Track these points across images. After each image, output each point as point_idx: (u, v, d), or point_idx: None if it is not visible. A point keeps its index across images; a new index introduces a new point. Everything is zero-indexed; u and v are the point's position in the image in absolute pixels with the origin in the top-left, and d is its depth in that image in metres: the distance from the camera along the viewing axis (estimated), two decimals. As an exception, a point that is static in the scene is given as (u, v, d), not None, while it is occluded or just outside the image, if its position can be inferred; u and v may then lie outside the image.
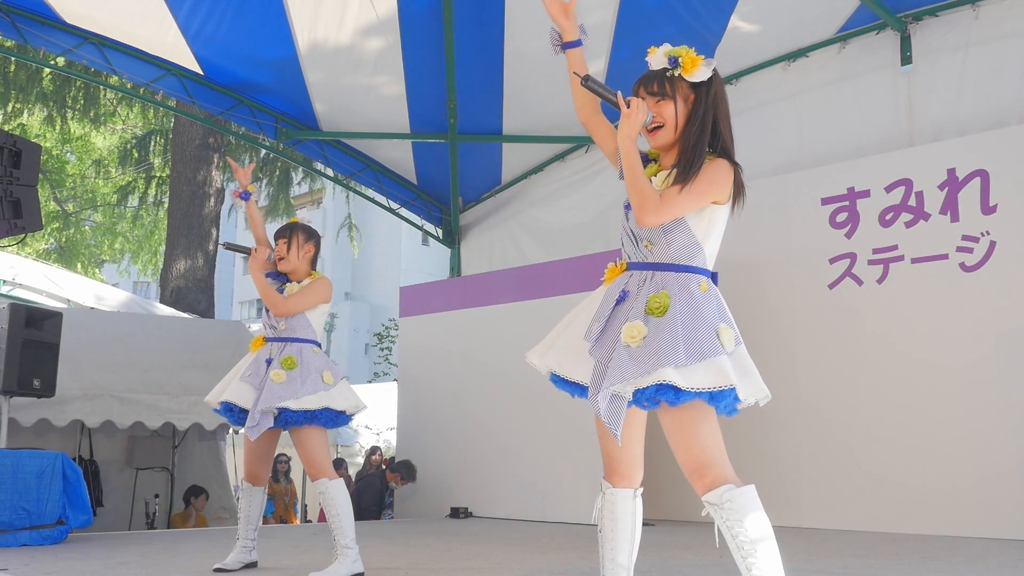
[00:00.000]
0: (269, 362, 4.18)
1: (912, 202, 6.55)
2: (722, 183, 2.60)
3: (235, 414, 4.26)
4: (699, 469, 2.49)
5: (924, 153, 6.62)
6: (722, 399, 2.49)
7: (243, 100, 8.79)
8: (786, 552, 4.98)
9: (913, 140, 6.89)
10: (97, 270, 22.67)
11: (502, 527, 7.03)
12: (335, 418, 4.21)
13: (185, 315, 11.41)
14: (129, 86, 9.50)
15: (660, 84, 2.69)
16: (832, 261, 6.88)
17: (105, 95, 15.79)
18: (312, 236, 4.48)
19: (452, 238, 10.35)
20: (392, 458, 11.13)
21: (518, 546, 5.61)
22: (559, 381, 2.73)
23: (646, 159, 2.76)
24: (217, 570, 4.29)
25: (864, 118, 7.20)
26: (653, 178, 2.66)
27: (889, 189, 6.67)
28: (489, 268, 9.66)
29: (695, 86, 2.65)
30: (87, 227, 21.45)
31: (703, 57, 2.65)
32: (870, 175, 6.79)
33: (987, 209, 6.22)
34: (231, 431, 9.80)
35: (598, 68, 7.94)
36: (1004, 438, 5.95)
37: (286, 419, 4.10)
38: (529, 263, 8.83)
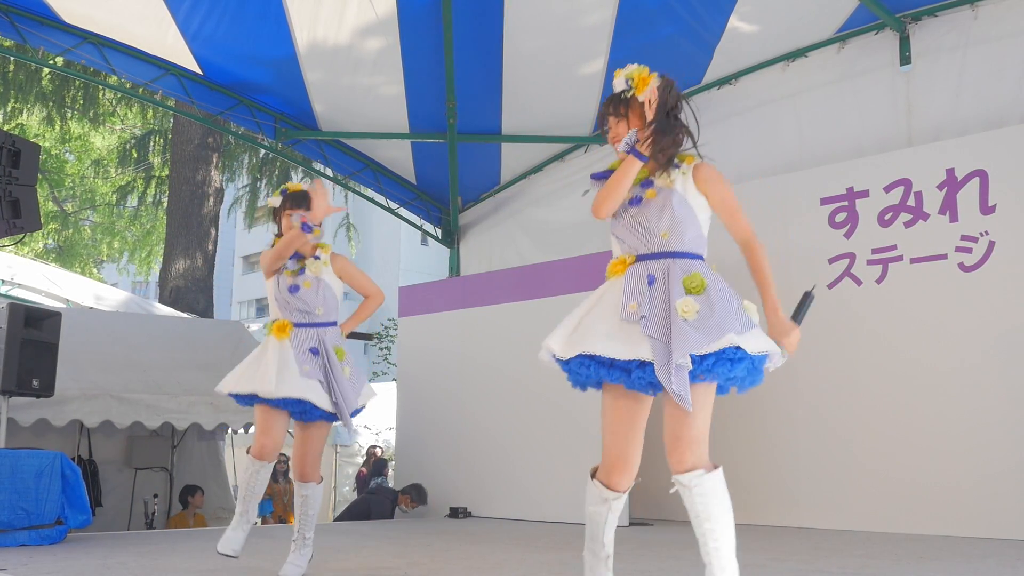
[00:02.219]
0: (315, 351, 4.01)
1: (911, 202, 6.56)
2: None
3: (291, 405, 4.01)
4: (689, 445, 2.69)
5: (923, 153, 6.62)
6: (764, 363, 2.78)
7: (242, 100, 8.79)
8: (786, 552, 4.97)
9: (912, 140, 6.89)
10: (96, 270, 22.66)
11: (501, 527, 7.03)
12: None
13: (184, 315, 11.41)
14: (128, 86, 9.49)
15: (616, 106, 2.98)
16: (831, 261, 6.88)
17: (104, 95, 15.80)
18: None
19: (451, 238, 10.35)
20: (382, 459, 11.15)
21: (517, 546, 5.61)
22: (584, 364, 2.79)
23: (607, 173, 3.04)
24: None
25: (863, 118, 7.21)
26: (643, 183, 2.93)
27: (888, 189, 6.67)
28: (488, 268, 9.66)
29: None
30: (86, 227, 21.44)
31: (654, 75, 2.94)
32: (869, 175, 6.79)
33: (986, 209, 6.22)
34: (229, 431, 9.80)
35: (597, 68, 7.95)
36: (1003, 437, 5.95)
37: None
38: (528, 263, 8.83)
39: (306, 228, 3.99)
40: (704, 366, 2.63)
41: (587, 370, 2.79)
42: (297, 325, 4.03)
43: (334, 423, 4.15)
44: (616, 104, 2.99)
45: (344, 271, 4.20)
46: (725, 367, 2.65)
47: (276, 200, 4.28)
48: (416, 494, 8.15)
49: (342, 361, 4.03)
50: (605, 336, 2.75)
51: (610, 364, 2.73)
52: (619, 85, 3.00)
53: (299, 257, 4.13)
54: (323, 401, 3.97)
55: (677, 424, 2.69)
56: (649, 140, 2.88)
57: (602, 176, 3.03)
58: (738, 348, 2.65)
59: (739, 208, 2.92)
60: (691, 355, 2.61)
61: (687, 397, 2.59)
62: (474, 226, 10.30)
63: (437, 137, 9.08)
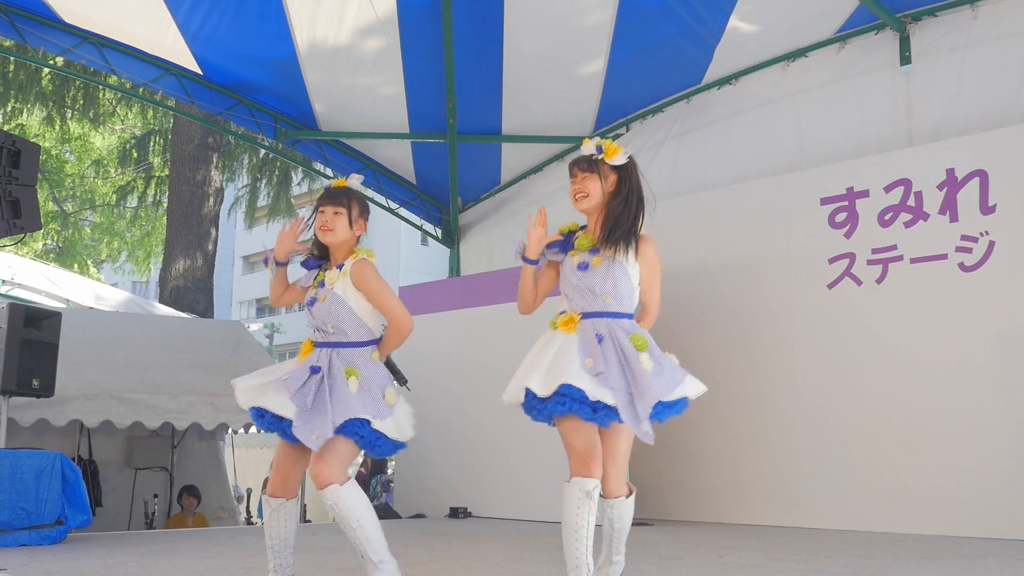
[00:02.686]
0: (316, 369, 3.36)
1: (911, 202, 6.56)
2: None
3: (266, 420, 3.40)
4: (616, 479, 3.45)
5: (923, 153, 6.62)
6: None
7: (242, 100, 8.79)
8: (786, 552, 4.97)
9: (912, 140, 6.89)
10: (95, 269, 22.66)
11: (501, 527, 7.03)
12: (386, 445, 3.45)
13: (184, 315, 11.41)
14: (128, 86, 9.49)
15: (588, 164, 3.43)
16: (831, 261, 6.88)
17: (104, 95, 15.80)
18: (367, 210, 3.61)
19: (451, 238, 10.35)
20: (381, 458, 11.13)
21: (517, 546, 5.61)
22: (562, 398, 3.23)
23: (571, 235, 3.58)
24: None
25: (863, 118, 7.21)
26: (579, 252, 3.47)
27: (888, 189, 6.67)
28: (488, 268, 9.65)
29: (615, 168, 3.41)
30: (86, 227, 21.44)
31: (621, 148, 3.43)
32: (869, 175, 6.79)
33: (986, 209, 6.22)
34: (230, 431, 9.80)
35: (597, 69, 7.95)
36: (1003, 437, 5.95)
37: (363, 437, 3.34)
38: (528, 263, 8.82)
39: (267, 262, 3.63)
40: (655, 412, 3.22)
41: (563, 404, 3.20)
42: (316, 345, 3.47)
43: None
44: (588, 162, 3.43)
45: (361, 281, 3.43)
46: (669, 412, 3.31)
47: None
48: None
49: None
50: (579, 375, 3.16)
51: (581, 399, 3.15)
52: (588, 150, 3.45)
53: (319, 265, 3.56)
54: (283, 410, 3.31)
55: (616, 457, 3.42)
56: (610, 219, 3.39)
57: (527, 260, 3.63)
58: (685, 397, 3.36)
59: (658, 283, 3.48)
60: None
61: (651, 434, 3.18)
62: (474, 226, 10.30)
63: (437, 137, 9.08)
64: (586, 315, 3.34)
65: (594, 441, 3.28)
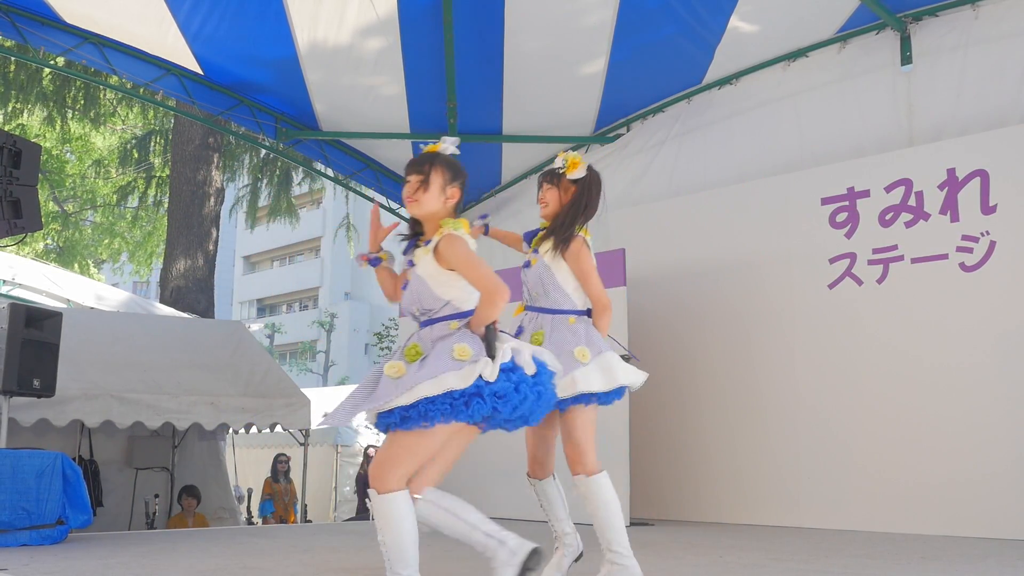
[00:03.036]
0: (520, 331, 3.81)
1: (912, 202, 6.55)
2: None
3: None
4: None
5: (924, 153, 6.62)
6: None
7: (243, 100, 8.79)
8: (786, 552, 4.96)
9: (913, 140, 6.89)
10: (96, 270, 22.65)
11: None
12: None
13: (185, 315, 11.41)
14: (129, 86, 9.50)
15: (551, 176, 3.87)
16: (832, 261, 6.88)
17: (105, 95, 15.80)
18: (459, 176, 3.35)
19: (452, 238, 10.34)
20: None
21: (518, 546, 5.59)
22: None
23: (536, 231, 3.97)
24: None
25: (864, 118, 7.20)
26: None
27: (889, 189, 6.67)
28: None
29: (574, 181, 3.80)
30: (86, 227, 21.44)
31: (582, 162, 3.82)
32: (870, 175, 6.78)
33: (987, 209, 6.22)
34: (230, 431, 9.80)
35: (597, 69, 7.95)
36: (1004, 438, 5.95)
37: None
38: (529, 263, 8.82)
39: (371, 262, 3.33)
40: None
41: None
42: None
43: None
44: (551, 175, 3.86)
45: (449, 256, 3.08)
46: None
47: None
48: None
49: (413, 362, 3.03)
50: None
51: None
52: (557, 163, 3.86)
53: (415, 244, 3.25)
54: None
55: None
56: (556, 221, 3.81)
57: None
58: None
59: (591, 277, 3.70)
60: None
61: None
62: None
63: (438, 137, 9.06)
64: (527, 308, 3.82)
65: (547, 449, 3.99)
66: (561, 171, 3.80)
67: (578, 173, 3.76)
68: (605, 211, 3.82)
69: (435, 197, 3.17)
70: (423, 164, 3.22)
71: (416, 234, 3.24)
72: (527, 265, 3.83)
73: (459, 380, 2.89)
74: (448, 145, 3.35)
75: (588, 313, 3.71)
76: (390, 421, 2.96)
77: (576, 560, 3.76)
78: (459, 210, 3.41)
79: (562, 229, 3.73)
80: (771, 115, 7.77)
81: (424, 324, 3.12)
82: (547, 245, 3.74)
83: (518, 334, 3.66)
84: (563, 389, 3.43)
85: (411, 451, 2.95)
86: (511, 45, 7.76)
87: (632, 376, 3.72)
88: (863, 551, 5.14)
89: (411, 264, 3.18)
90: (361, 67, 8.12)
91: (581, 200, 3.76)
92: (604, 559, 3.61)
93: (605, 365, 3.59)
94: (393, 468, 2.93)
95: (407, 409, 2.91)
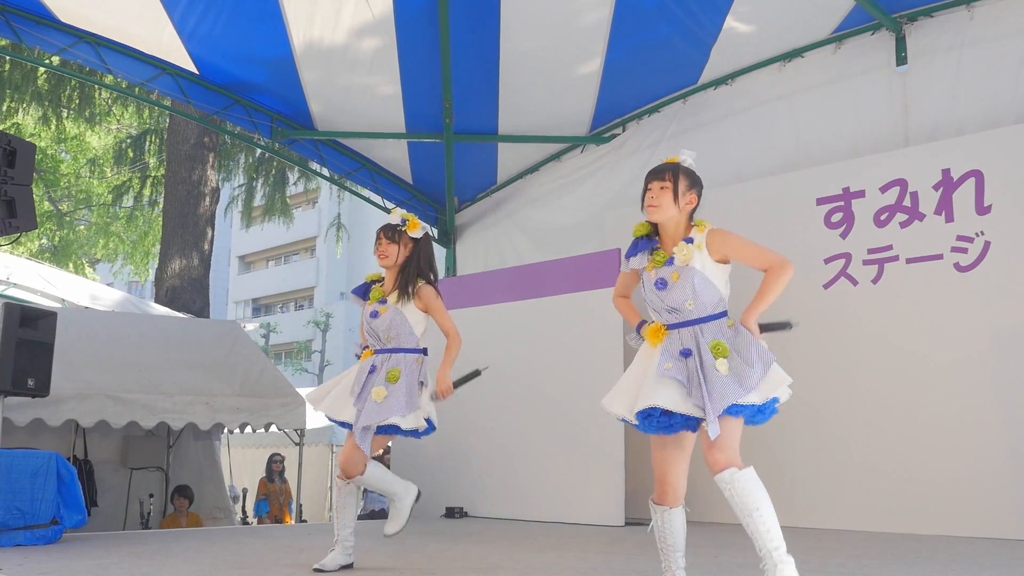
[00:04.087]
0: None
1: (907, 202, 6.56)
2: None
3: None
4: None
5: (919, 153, 6.63)
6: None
7: (238, 100, 8.78)
8: (781, 552, 4.94)
9: (908, 140, 6.90)
10: (91, 270, 22.60)
11: (497, 527, 7.03)
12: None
13: (180, 315, 11.39)
14: (124, 85, 9.48)
15: (391, 232, 4.40)
16: (827, 261, 6.89)
17: (100, 94, 15.77)
18: (697, 183, 3.61)
19: (447, 238, 10.35)
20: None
21: (514, 546, 5.61)
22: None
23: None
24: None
25: (859, 118, 7.21)
26: None
27: (884, 189, 6.68)
28: (484, 268, 9.66)
29: (413, 238, 4.41)
30: (81, 227, 21.39)
31: (421, 224, 4.44)
32: (865, 175, 6.79)
33: (982, 209, 6.23)
34: (225, 431, 9.79)
35: (593, 68, 7.96)
36: (999, 438, 5.96)
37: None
38: (524, 263, 8.83)
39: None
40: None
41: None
42: (670, 328, 3.57)
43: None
44: (392, 231, 4.40)
45: (723, 242, 3.52)
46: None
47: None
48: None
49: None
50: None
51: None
52: (395, 219, 4.43)
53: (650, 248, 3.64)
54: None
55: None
56: (403, 275, 4.38)
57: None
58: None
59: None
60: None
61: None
62: (470, 226, 10.30)
63: (434, 137, 9.08)
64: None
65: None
66: (402, 228, 4.41)
67: (417, 233, 4.42)
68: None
69: (675, 203, 3.44)
70: (665, 172, 3.48)
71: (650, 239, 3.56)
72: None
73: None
74: (687, 156, 3.57)
75: (425, 352, 4.47)
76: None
77: None
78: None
79: (408, 281, 4.37)
80: (767, 115, 7.78)
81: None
82: (395, 296, 4.38)
83: (371, 372, 4.25)
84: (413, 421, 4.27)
85: None
86: (507, 45, 7.76)
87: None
88: (859, 551, 5.15)
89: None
90: (357, 67, 8.11)
91: (422, 254, 4.44)
92: None
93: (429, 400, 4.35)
94: None
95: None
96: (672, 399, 3.19)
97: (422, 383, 4.36)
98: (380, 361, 4.32)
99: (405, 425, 4.20)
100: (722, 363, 3.18)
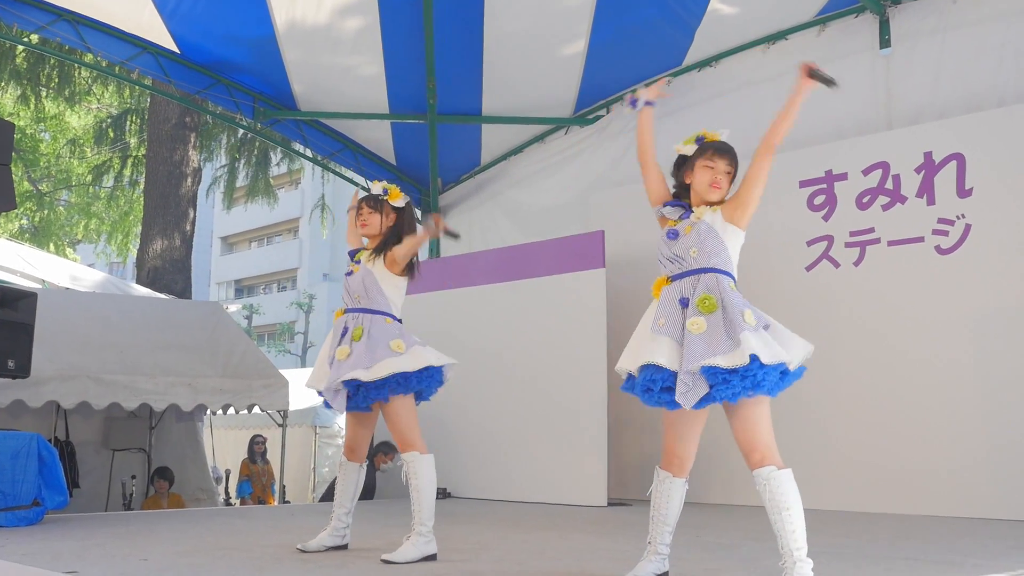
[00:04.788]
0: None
1: (889, 185, 6.60)
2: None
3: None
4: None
5: (901, 136, 6.66)
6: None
7: (220, 79, 8.71)
8: (763, 531, 5.00)
9: (891, 123, 6.92)
10: (71, 250, 22.43)
11: (482, 508, 7.06)
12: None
13: (162, 296, 11.33)
14: (104, 64, 9.37)
15: (372, 201, 4.40)
16: (809, 243, 6.92)
17: (80, 73, 15.60)
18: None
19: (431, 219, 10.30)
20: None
21: (498, 526, 5.64)
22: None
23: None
24: (300, 550, 4.31)
25: (842, 101, 7.19)
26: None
27: (866, 172, 6.70)
28: (468, 249, 9.64)
29: (396, 208, 4.40)
30: (61, 207, 21.20)
31: (403, 194, 4.44)
32: (848, 158, 6.82)
33: (963, 192, 6.27)
34: (208, 412, 9.77)
35: (577, 49, 7.93)
36: (978, 418, 6.02)
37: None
38: (508, 244, 8.82)
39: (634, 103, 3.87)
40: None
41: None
42: (672, 279, 3.52)
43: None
44: (373, 200, 4.40)
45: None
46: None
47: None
48: (387, 447, 8.20)
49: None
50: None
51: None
52: (377, 190, 4.42)
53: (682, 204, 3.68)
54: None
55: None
56: (383, 240, 4.35)
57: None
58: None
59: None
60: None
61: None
62: (454, 207, 10.27)
63: (417, 118, 9.04)
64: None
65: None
66: (383, 198, 4.40)
67: (400, 202, 4.41)
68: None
69: (728, 188, 3.54)
70: (732, 156, 3.56)
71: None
72: (349, 274, 4.36)
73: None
74: (726, 135, 3.66)
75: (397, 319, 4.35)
76: None
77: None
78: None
79: (387, 245, 4.34)
80: (750, 98, 7.77)
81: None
82: (367, 255, 4.36)
83: (343, 334, 4.20)
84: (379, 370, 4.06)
85: None
86: (491, 25, 7.73)
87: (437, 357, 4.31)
88: (840, 530, 5.20)
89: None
90: (340, 47, 8.06)
91: (406, 225, 4.43)
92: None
93: (422, 350, 4.22)
94: None
95: None
96: (665, 356, 3.19)
97: (404, 338, 4.21)
98: (351, 320, 4.26)
99: (367, 376, 4.02)
100: (698, 321, 3.16)
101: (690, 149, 3.56)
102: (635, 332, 3.44)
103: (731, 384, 3.11)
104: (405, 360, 4.09)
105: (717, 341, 3.12)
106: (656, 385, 3.24)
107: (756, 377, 3.11)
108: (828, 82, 3.47)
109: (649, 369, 3.25)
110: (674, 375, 3.19)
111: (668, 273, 3.41)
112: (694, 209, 3.49)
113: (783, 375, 3.21)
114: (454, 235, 4.38)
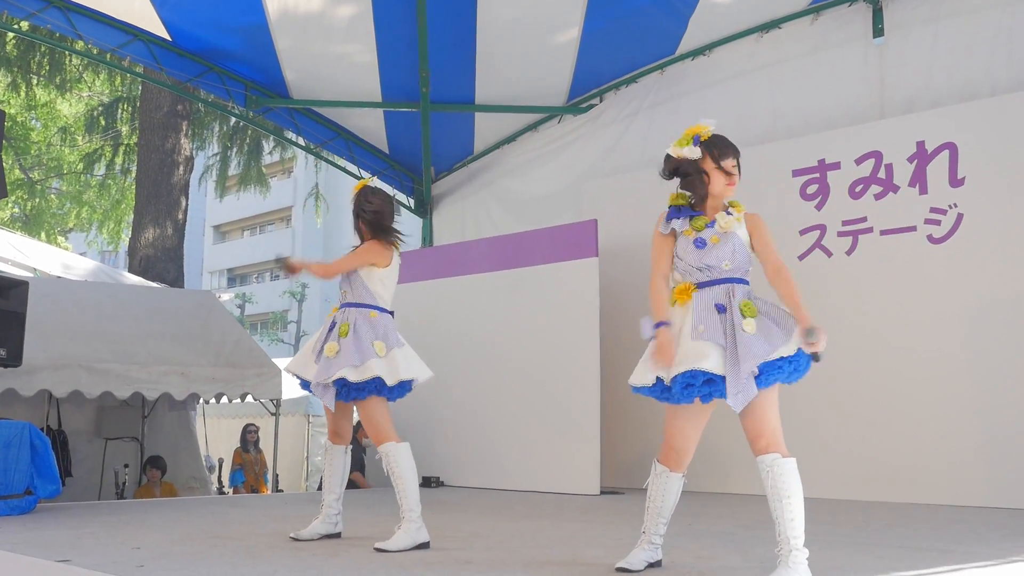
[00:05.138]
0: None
1: (882, 174, 6.60)
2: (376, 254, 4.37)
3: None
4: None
5: (894, 126, 6.66)
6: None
7: (212, 67, 8.66)
8: (755, 520, 5.00)
9: (884, 112, 6.92)
10: (63, 239, 22.34)
11: (474, 496, 7.06)
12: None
13: (154, 284, 11.30)
14: (95, 52, 9.33)
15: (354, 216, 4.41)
16: (802, 232, 6.93)
17: (71, 61, 15.52)
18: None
19: (424, 208, 10.30)
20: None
21: (490, 515, 5.64)
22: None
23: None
24: (293, 539, 4.35)
25: (836, 90, 7.23)
26: None
27: (859, 161, 6.71)
28: (461, 238, 9.63)
29: (353, 199, 4.41)
30: (52, 195, 21.11)
31: (363, 182, 4.47)
32: (841, 147, 6.82)
33: (955, 182, 6.28)
34: (201, 401, 9.76)
35: (570, 37, 7.91)
36: (969, 406, 6.05)
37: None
38: (501, 233, 8.81)
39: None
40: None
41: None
42: (699, 286, 3.45)
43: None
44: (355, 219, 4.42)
45: (760, 230, 3.63)
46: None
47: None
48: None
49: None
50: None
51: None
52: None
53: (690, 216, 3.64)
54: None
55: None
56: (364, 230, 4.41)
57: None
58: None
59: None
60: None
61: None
62: (447, 196, 10.26)
63: (410, 106, 9.01)
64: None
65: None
66: (352, 201, 4.45)
67: (355, 193, 4.44)
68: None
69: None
70: (737, 153, 3.51)
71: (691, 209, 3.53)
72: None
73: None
74: (713, 126, 3.57)
75: (392, 314, 4.37)
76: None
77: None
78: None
79: (362, 238, 4.41)
80: (744, 87, 7.77)
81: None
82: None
83: (331, 329, 4.24)
84: (361, 373, 4.11)
85: None
86: (484, 13, 7.69)
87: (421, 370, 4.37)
88: (831, 518, 5.22)
89: (711, 226, 3.44)
90: (332, 34, 8.02)
91: (359, 212, 4.43)
92: None
93: (400, 357, 4.24)
94: None
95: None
96: (713, 363, 3.18)
97: (386, 340, 4.25)
98: (339, 316, 4.31)
99: (353, 377, 4.09)
100: (749, 323, 3.23)
101: (693, 152, 3.48)
102: (656, 342, 3.30)
103: (781, 369, 3.23)
104: (384, 367, 4.16)
105: (772, 336, 3.22)
106: (698, 380, 3.22)
107: (799, 363, 3.28)
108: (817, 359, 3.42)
109: (695, 374, 3.22)
110: (720, 377, 3.20)
111: (694, 281, 3.38)
112: (707, 214, 3.46)
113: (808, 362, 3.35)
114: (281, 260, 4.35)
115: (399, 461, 4.16)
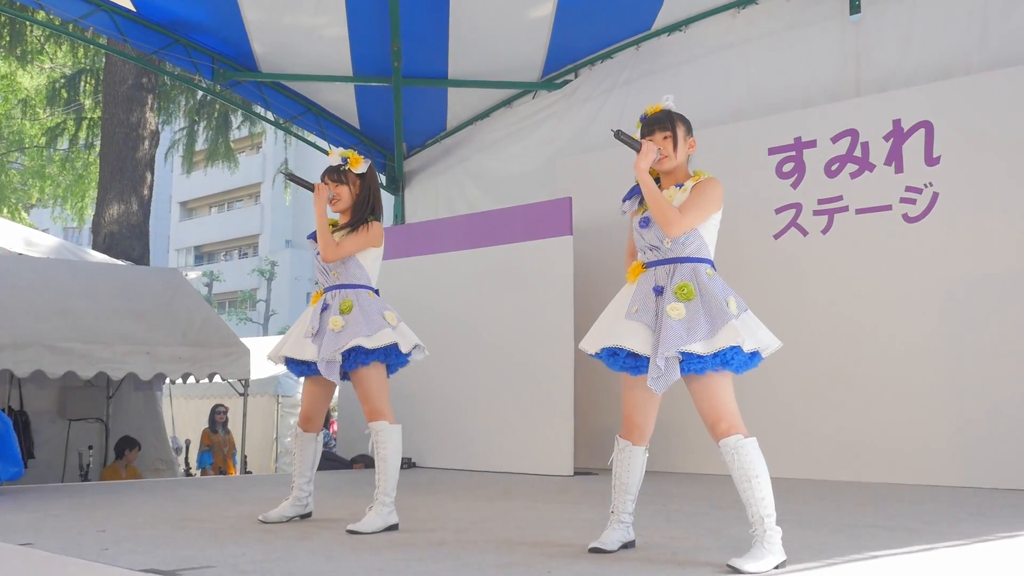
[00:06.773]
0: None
1: (858, 152, 6.57)
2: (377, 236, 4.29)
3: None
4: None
5: (870, 104, 6.63)
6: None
7: (178, 39, 8.46)
8: (728, 500, 4.99)
9: (860, 90, 6.89)
10: (25, 215, 21.94)
11: (447, 477, 7.02)
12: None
13: (119, 262, 11.09)
14: (57, 22, 9.09)
15: (336, 175, 4.25)
16: (778, 211, 6.89)
17: (32, 31, 15.17)
18: (691, 128, 3.59)
19: (396, 185, 10.17)
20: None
21: (463, 496, 5.60)
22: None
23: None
24: (262, 521, 4.25)
25: (812, 67, 7.18)
26: None
27: (835, 139, 6.68)
28: (434, 215, 9.53)
29: (359, 175, 4.25)
30: (14, 170, 20.71)
31: (363, 158, 4.27)
32: (817, 125, 6.78)
33: (930, 160, 6.26)
34: (167, 381, 9.60)
35: (545, 12, 7.80)
36: (942, 386, 6.07)
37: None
38: (475, 211, 8.72)
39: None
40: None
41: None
42: (647, 265, 3.43)
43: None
44: (338, 172, 4.24)
45: (701, 192, 3.50)
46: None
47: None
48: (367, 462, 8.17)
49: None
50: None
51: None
52: (335, 160, 4.25)
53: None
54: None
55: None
56: (355, 214, 4.24)
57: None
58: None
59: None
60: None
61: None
62: (419, 173, 10.14)
63: (381, 81, 8.86)
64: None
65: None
66: (345, 168, 4.24)
67: (361, 168, 4.26)
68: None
69: (681, 150, 3.45)
70: (666, 122, 3.45)
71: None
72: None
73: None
74: (671, 101, 3.56)
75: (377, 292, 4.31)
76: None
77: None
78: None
79: (362, 216, 4.25)
80: (720, 63, 7.71)
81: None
82: (343, 233, 4.24)
83: (324, 310, 4.14)
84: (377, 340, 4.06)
85: None
86: (457, -14, 7.57)
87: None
88: (803, 497, 5.22)
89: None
90: (302, 6, 7.86)
91: (371, 189, 4.30)
92: None
93: (407, 329, 4.22)
94: None
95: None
96: (637, 342, 3.20)
97: (392, 313, 4.23)
98: (331, 297, 4.19)
99: (370, 344, 4.00)
100: (677, 307, 3.17)
101: (638, 132, 3.51)
102: (604, 313, 3.43)
103: (703, 360, 3.17)
104: (399, 336, 4.12)
105: (696, 327, 3.14)
106: (621, 354, 3.27)
107: (726, 358, 3.19)
108: (633, 144, 3.39)
109: (619, 351, 3.28)
110: (643, 358, 3.22)
111: (645, 260, 3.39)
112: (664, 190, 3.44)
113: (751, 356, 3.28)
114: None
115: (389, 443, 4.09)
